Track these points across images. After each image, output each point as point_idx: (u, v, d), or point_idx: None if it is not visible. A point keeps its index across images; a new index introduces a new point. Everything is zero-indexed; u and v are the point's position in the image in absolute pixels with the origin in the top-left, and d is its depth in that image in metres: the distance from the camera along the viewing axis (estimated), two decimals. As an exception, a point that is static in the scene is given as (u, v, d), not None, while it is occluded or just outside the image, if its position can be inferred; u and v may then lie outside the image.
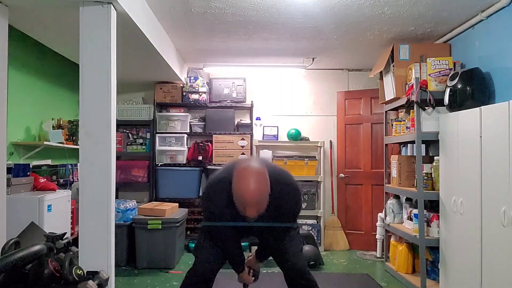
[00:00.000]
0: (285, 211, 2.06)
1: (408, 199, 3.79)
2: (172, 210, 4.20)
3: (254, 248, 4.62)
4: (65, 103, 4.30)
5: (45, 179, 3.40)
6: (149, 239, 3.96)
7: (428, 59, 3.41)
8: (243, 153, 4.86)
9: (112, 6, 2.43)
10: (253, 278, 2.33)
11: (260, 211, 1.89)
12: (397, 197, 3.97)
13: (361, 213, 4.93)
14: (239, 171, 1.89)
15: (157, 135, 4.91)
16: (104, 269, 2.34)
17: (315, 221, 4.95)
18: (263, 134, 5.09)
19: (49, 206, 3.02)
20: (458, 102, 3.11)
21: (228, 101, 5.00)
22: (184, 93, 5.00)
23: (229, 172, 1.97)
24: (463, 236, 2.86)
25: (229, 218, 2.02)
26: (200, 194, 4.94)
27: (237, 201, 1.89)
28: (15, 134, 3.40)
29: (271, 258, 2.29)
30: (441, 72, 3.37)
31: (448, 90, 3.19)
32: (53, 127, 3.76)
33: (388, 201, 4.03)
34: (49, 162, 3.86)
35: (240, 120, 5.07)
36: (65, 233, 2.49)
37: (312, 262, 3.94)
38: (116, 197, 4.31)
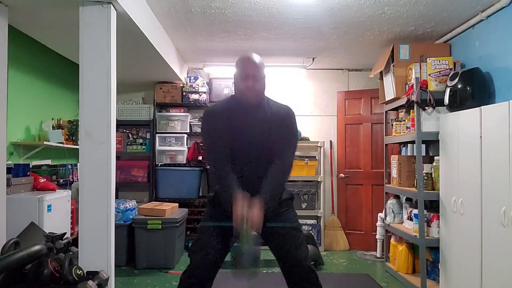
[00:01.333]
0: (284, 129, 2.08)
1: (408, 199, 3.79)
2: (172, 210, 4.20)
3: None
4: (65, 103, 4.30)
5: (45, 179, 3.40)
6: (149, 239, 3.95)
7: (428, 59, 3.41)
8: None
9: (112, 6, 2.43)
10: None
11: (259, 86, 2.01)
12: (397, 197, 3.96)
13: (361, 213, 4.93)
14: (240, 55, 2.10)
15: (157, 135, 4.91)
16: (104, 269, 2.34)
17: (315, 221, 4.95)
18: (263, 134, 5.07)
19: (49, 206, 3.02)
20: (458, 102, 3.11)
21: (228, 101, 4.99)
22: (184, 93, 5.00)
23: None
24: (463, 236, 2.86)
25: (227, 130, 2.02)
26: (201, 194, 4.94)
27: (237, 76, 2.03)
28: (15, 134, 3.40)
29: (272, 258, 2.19)
30: (441, 72, 3.37)
31: (448, 90, 3.19)
32: (53, 127, 3.76)
33: (388, 201, 4.03)
34: (49, 162, 3.86)
35: (240, 120, 5.06)
36: (65, 233, 2.49)
37: (312, 262, 3.94)
38: (116, 197, 4.31)
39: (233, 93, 2.13)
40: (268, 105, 2.12)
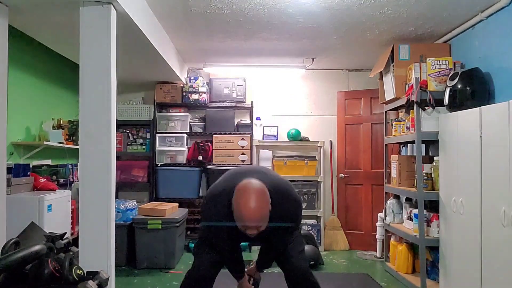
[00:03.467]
0: (287, 223, 2.05)
1: (408, 199, 3.79)
2: (172, 210, 4.20)
3: (254, 248, 4.64)
4: (65, 103, 4.31)
5: (45, 179, 3.40)
6: (149, 239, 3.96)
7: (428, 59, 3.41)
8: (243, 153, 4.86)
9: (112, 6, 2.43)
10: (253, 287, 2.29)
11: (261, 230, 1.86)
12: (397, 197, 3.97)
13: (361, 213, 4.93)
14: (240, 190, 1.86)
15: (157, 135, 4.91)
16: (104, 269, 2.34)
17: (315, 221, 4.95)
18: (263, 134, 5.08)
19: (49, 206, 3.02)
20: (458, 102, 3.11)
21: (228, 101, 5.00)
22: (184, 93, 5.00)
23: (230, 186, 1.95)
24: (463, 236, 2.86)
25: (229, 231, 1.97)
26: (201, 194, 4.95)
27: (237, 220, 1.86)
28: (15, 134, 3.40)
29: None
30: (441, 72, 3.37)
31: (448, 90, 3.20)
32: (53, 127, 3.76)
33: (388, 201, 4.03)
34: (49, 162, 3.86)
35: (240, 120, 5.07)
36: (65, 233, 2.49)
37: (312, 262, 3.94)
38: (116, 197, 4.31)
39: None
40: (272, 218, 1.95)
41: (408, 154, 4.30)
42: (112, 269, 2.44)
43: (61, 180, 3.74)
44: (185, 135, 4.93)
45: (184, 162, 4.91)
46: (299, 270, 2.10)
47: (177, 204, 4.47)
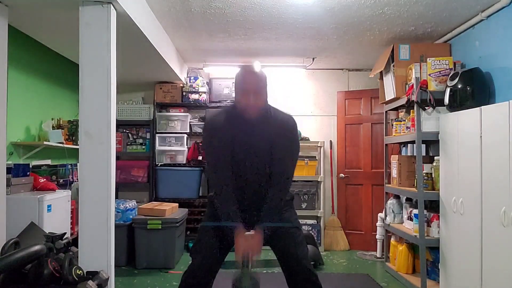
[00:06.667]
0: (285, 140, 2.04)
1: (408, 199, 3.79)
2: (172, 210, 4.20)
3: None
4: (65, 103, 4.30)
5: (45, 179, 3.40)
6: (148, 239, 3.95)
7: (428, 59, 3.41)
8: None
9: (112, 6, 2.43)
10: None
11: (259, 103, 1.96)
12: (397, 197, 3.96)
13: (361, 213, 4.93)
14: (241, 68, 2.06)
15: (157, 135, 4.91)
16: (104, 269, 2.34)
17: (315, 221, 4.95)
18: (263, 134, 5.07)
19: (49, 206, 3.02)
20: (458, 102, 3.11)
21: (228, 101, 4.99)
22: (184, 93, 5.00)
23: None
24: (463, 236, 2.86)
25: (229, 143, 1.99)
26: (200, 194, 4.94)
27: (237, 91, 1.99)
28: (15, 134, 3.39)
29: (272, 258, 2.20)
30: (441, 72, 3.37)
31: (448, 90, 3.19)
32: (53, 127, 3.76)
33: (388, 201, 4.03)
34: (48, 162, 3.86)
35: (240, 120, 5.05)
36: (65, 233, 2.49)
37: (312, 262, 3.95)
38: (116, 197, 4.31)
39: (234, 101, 2.08)
40: (270, 116, 2.07)
41: (408, 154, 4.29)
42: (112, 269, 2.44)
43: (61, 180, 3.74)
44: (185, 135, 4.93)
45: (184, 162, 4.91)
46: (309, 272, 2.02)
47: (177, 204, 4.46)
